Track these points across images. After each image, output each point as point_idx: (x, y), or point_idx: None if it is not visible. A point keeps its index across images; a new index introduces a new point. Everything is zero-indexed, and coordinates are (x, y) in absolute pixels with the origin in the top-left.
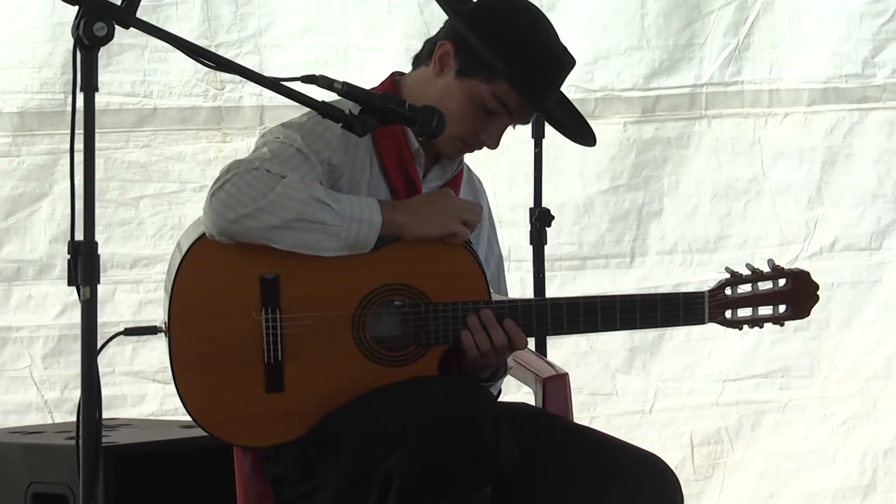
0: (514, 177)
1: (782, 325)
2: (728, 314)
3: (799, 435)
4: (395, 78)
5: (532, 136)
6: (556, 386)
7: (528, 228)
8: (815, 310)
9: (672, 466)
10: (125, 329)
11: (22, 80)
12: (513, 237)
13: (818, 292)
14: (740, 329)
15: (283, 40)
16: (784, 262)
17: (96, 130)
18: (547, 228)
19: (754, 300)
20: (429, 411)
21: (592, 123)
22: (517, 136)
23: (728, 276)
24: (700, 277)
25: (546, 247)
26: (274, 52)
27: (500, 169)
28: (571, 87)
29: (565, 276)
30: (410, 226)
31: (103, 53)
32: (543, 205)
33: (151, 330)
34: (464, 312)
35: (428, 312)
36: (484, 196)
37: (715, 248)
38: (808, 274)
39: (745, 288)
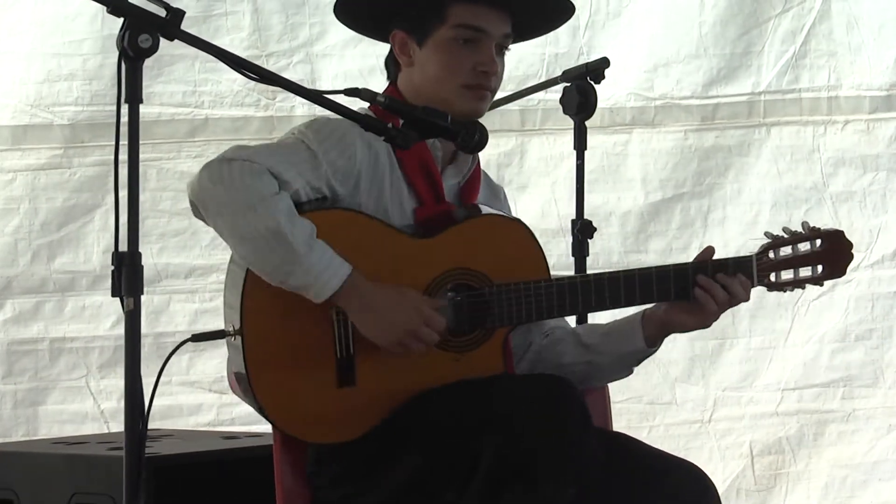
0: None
1: (821, 285)
2: (773, 277)
3: (864, 445)
4: (394, 87)
5: (574, 148)
6: (595, 398)
7: (571, 240)
8: (876, 319)
9: (732, 476)
10: (192, 335)
11: (73, 92)
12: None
13: (852, 251)
14: (783, 291)
15: (334, 49)
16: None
17: (149, 141)
18: (589, 240)
19: (795, 262)
20: (523, 404)
21: (652, 132)
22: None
23: (769, 239)
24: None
25: (613, 254)
26: (326, 61)
27: (561, 176)
28: (631, 96)
29: None
30: (361, 321)
31: (154, 64)
32: (605, 213)
33: (219, 334)
34: (526, 293)
35: (491, 295)
36: (506, 201)
37: None
38: (842, 233)
39: (786, 250)
